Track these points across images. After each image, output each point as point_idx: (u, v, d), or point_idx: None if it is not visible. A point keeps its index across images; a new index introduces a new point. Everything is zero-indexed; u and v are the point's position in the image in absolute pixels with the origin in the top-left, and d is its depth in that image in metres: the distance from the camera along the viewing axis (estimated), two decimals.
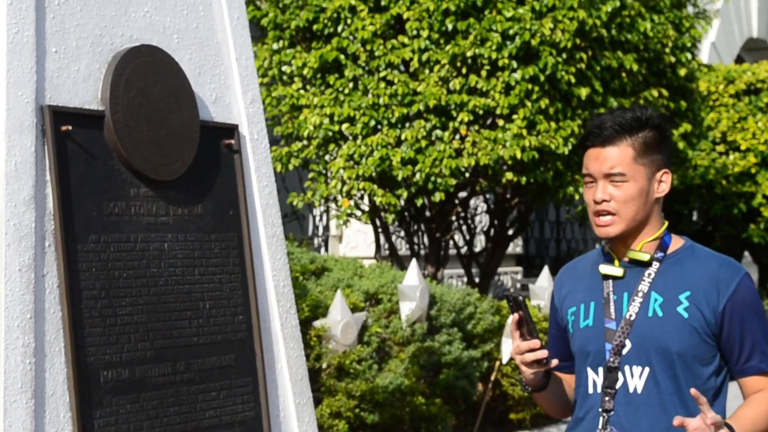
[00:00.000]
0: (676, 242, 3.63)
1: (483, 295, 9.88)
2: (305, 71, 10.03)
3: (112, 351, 3.64)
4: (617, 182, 3.52)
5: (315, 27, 10.06)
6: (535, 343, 3.48)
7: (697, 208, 15.39)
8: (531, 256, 18.03)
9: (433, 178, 9.54)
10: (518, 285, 15.97)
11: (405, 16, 9.81)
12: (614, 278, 3.60)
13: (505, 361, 8.83)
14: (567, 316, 3.69)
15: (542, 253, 18.29)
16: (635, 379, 3.52)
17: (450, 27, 9.66)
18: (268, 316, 4.26)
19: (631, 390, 3.52)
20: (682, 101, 11.19)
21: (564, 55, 9.68)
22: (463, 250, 11.80)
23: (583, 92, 9.79)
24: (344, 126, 9.80)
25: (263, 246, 4.29)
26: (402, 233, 11.85)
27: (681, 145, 11.12)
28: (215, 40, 4.28)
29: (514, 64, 9.57)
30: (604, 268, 3.62)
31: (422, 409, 8.10)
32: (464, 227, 11.72)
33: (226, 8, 4.32)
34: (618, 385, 3.53)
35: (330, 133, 9.89)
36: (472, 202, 11.90)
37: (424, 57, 9.69)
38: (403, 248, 12.76)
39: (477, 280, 11.57)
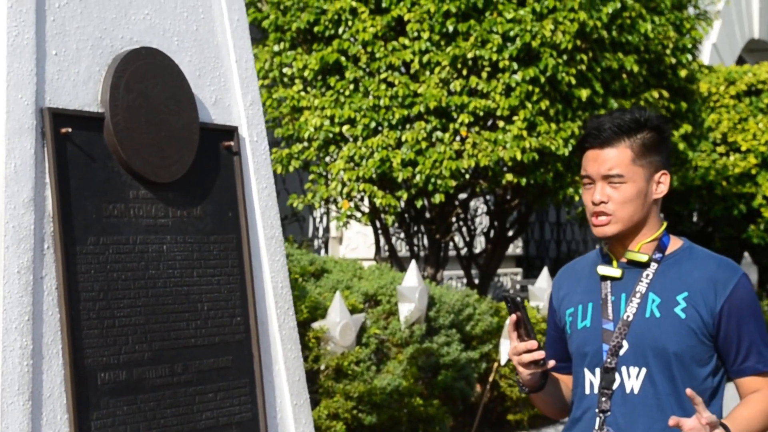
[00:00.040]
0: (675, 243, 3.64)
1: (482, 297, 9.89)
2: (306, 73, 10.04)
3: (109, 353, 3.65)
4: (615, 183, 3.53)
5: (316, 29, 10.07)
6: (533, 344, 3.49)
7: (698, 209, 15.38)
8: (531, 258, 18.02)
9: (433, 180, 9.55)
10: (518, 286, 15.97)
11: (406, 18, 9.81)
12: (612, 279, 3.61)
13: (503, 362, 8.84)
14: (565, 317, 3.70)
15: (542, 254, 18.28)
16: (632, 379, 3.53)
17: (451, 29, 9.66)
18: (266, 317, 4.27)
19: (628, 390, 3.53)
20: (682, 102, 11.19)
21: (564, 57, 9.69)
22: (463, 252, 11.81)
23: (584, 93, 9.80)
24: (345, 128, 9.81)
25: (262, 248, 4.30)
26: (402, 235, 11.85)
27: (681, 146, 11.12)
28: (215, 42, 4.29)
29: (515, 65, 9.58)
30: (602, 269, 3.63)
31: (420, 410, 8.10)
32: (464, 229, 11.73)
33: (226, 10, 4.33)
34: (615, 385, 3.54)
35: (330, 135, 9.89)
36: (472, 203, 11.91)
37: (425, 59, 9.70)
38: (403, 250, 12.77)
39: (477, 281, 11.58)
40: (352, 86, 9.87)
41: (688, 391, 3.33)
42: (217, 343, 4.02)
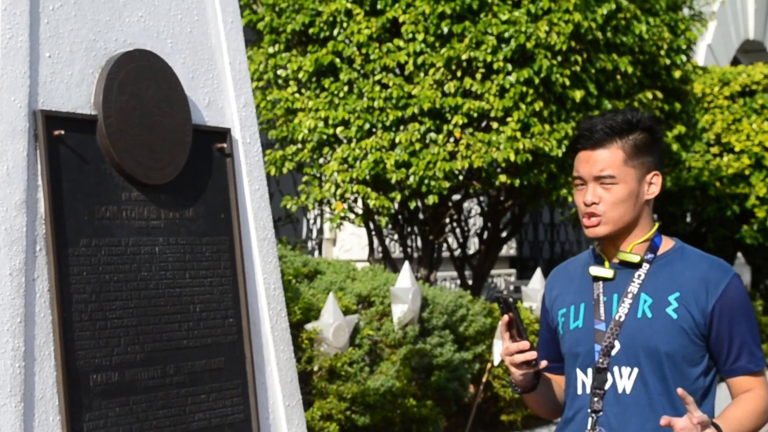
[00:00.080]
0: (667, 243, 3.65)
1: (475, 298, 9.89)
2: (300, 75, 10.04)
3: (101, 354, 3.65)
4: (607, 185, 3.55)
5: (311, 31, 10.07)
6: (525, 344, 3.50)
7: (691, 209, 15.39)
8: (525, 259, 18.02)
9: (426, 181, 9.55)
10: (511, 287, 15.98)
11: (401, 20, 9.82)
12: (604, 280, 3.63)
13: (496, 362, 8.85)
14: (557, 318, 3.72)
15: (536, 255, 18.29)
16: (624, 379, 3.55)
17: (445, 30, 9.67)
18: (258, 319, 4.28)
19: (620, 390, 3.55)
20: (676, 103, 11.20)
21: (559, 58, 9.70)
22: (457, 253, 11.81)
23: (578, 95, 9.81)
24: (339, 129, 9.81)
25: (254, 249, 4.31)
26: (395, 236, 11.85)
27: (675, 146, 11.13)
28: (209, 44, 4.29)
29: (509, 66, 9.58)
30: (594, 270, 3.64)
31: (413, 411, 8.11)
32: (458, 230, 11.73)
33: (220, 13, 4.33)
34: (607, 385, 3.56)
35: (324, 137, 9.89)
36: (465, 204, 11.91)
37: (419, 60, 9.70)
38: (396, 251, 12.77)
39: (470, 282, 11.58)
40: (346, 88, 9.87)
41: (679, 390, 3.35)
42: (209, 344, 4.03)
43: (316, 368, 7.58)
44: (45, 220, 3.59)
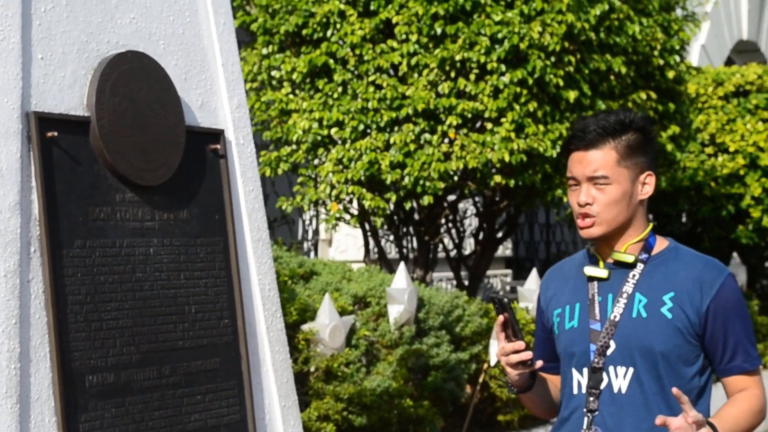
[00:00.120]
0: (661, 243, 3.66)
1: (471, 298, 9.89)
2: (294, 76, 10.04)
3: (97, 355, 3.65)
4: (600, 185, 3.56)
5: (304, 32, 10.07)
6: (520, 344, 3.51)
7: (686, 209, 15.40)
8: (521, 259, 18.04)
9: (421, 182, 9.56)
10: (507, 287, 15.99)
11: (394, 21, 9.82)
12: (599, 280, 3.64)
13: (492, 363, 8.85)
14: (553, 318, 3.73)
15: (532, 255, 18.30)
16: (619, 379, 3.56)
17: (439, 31, 9.67)
18: (253, 319, 4.28)
19: (615, 390, 3.56)
20: (670, 104, 11.21)
21: (552, 59, 9.70)
22: (452, 253, 11.82)
23: (572, 95, 9.81)
24: (333, 130, 9.81)
25: (249, 250, 4.31)
26: (391, 237, 11.85)
27: (669, 147, 11.14)
28: (201, 45, 4.29)
29: (503, 67, 9.59)
30: (589, 270, 3.65)
31: (410, 411, 8.11)
32: (453, 230, 11.74)
33: (212, 14, 4.34)
34: (602, 385, 3.57)
35: (319, 138, 9.90)
36: (460, 205, 11.92)
37: (413, 61, 9.70)
38: (392, 252, 12.77)
39: (466, 282, 11.59)
40: (340, 89, 9.87)
41: (674, 390, 3.36)
42: (204, 345, 4.03)
43: (312, 369, 7.58)
44: (39, 221, 3.59)
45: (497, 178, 9.86)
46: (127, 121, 3.88)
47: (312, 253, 14.63)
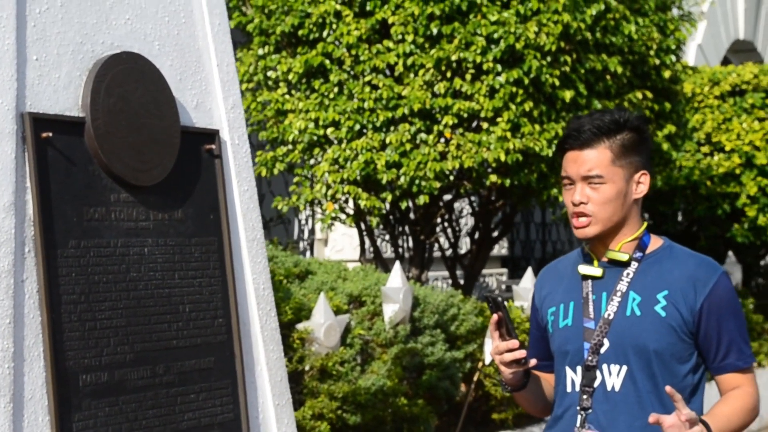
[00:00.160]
0: (655, 242, 3.68)
1: (467, 297, 9.89)
2: (290, 76, 10.04)
3: (91, 355, 3.66)
4: (595, 184, 3.57)
5: (300, 32, 10.07)
6: (514, 343, 3.53)
7: (682, 208, 15.40)
8: (516, 258, 18.03)
9: (417, 181, 9.56)
10: (503, 286, 15.99)
11: (390, 21, 9.81)
12: (593, 278, 3.65)
13: (487, 361, 8.86)
14: (547, 316, 3.75)
15: (528, 254, 18.30)
16: (613, 377, 3.57)
17: (435, 31, 9.67)
18: (248, 318, 4.29)
19: (609, 388, 3.57)
20: (666, 103, 11.21)
21: (548, 58, 9.70)
22: (448, 253, 11.82)
23: (568, 95, 9.81)
24: (329, 130, 9.81)
25: (243, 250, 4.32)
26: (387, 236, 11.85)
27: (665, 146, 11.14)
28: (196, 46, 4.30)
29: (499, 67, 9.58)
30: (584, 269, 3.67)
31: (405, 410, 8.11)
32: (449, 230, 11.73)
33: (207, 15, 4.35)
34: (596, 383, 3.58)
35: (315, 138, 9.89)
36: (456, 204, 11.91)
37: (409, 61, 9.70)
38: (388, 251, 12.77)
39: (462, 281, 11.59)
40: (336, 89, 9.88)
41: (668, 388, 3.38)
42: (199, 344, 4.04)
43: (307, 368, 7.59)
44: (34, 221, 3.60)
45: (493, 178, 9.86)
46: (122, 121, 3.89)
47: (308, 253, 14.64)
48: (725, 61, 22.83)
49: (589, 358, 3.58)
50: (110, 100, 3.86)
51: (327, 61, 9.89)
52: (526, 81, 9.51)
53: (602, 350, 3.58)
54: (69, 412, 3.58)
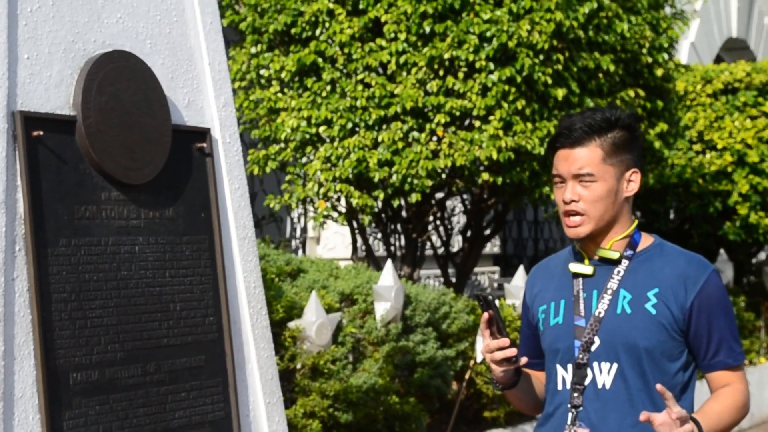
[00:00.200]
0: (646, 240, 3.69)
1: (458, 295, 9.90)
2: (283, 74, 10.04)
3: (81, 353, 3.66)
4: (586, 182, 3.58)
5: (293, 31, 10.07)
6: (505, 341, 3.54)
7: (674, 206, 15.41)
8: (509, 256, 18.04)
9: (409, 180, 9.56)
10: (495, 284, 16.01)
11: (383, 19, 9.82)
12: (584, 276, 3.66)
13: (479, 360, 8.87)
14: (538, 314, 3.75)
15: (520, 252, 18.31)
16: (604, 375, 3.58)
17: (427, 30, 9.67)
18: (238, 317, 4.29)
19: (599, 386, 3.58)
20: (659, 101, 11.22)
21: (541, 57, 9.71)
22: (440, 251, 11.82)
23: (560, 93, 9.82)
24: (321, 128, 9.81)
25: (234, 248, 4.32)
26: (379, 234, 11.85)
27: (657, 144, 11.15)
28: (188, 44, 4.30)
29: (491, 65, 9.59)
30: (574, 267, 3.68)
31: (396, 408, 8.11)
32: (441, 228, 11.74)
33: (199, 13, 4.34)
34: (587, 381, 3.59)
35: (307, 136, 9.89)
36: (448, 202, 11.91)
37: (402, 59, 9.70)
38: (380, 249, 12.77)
39: (454, 280, 11.59)
40: (329, 87, 9.88)
41: (658, 386, 3.38)
42: (189, 342, 4.04)
43: (298, 366, 7.59)
44: (24, 220, 3.60)
45: (485, 176, 9.87)
46: (114, 120, 3.89)
47: (300, 251, 14.63)
48: (718, 59, 22.84)
49: (580, 356, 3.59)
50: (101, 99, 3.86)
51: (320, 60, 9.89)
52: (519, 79, 9.52)
53: (593, 348, 3.59)
54: (59, 411, 3.58)
